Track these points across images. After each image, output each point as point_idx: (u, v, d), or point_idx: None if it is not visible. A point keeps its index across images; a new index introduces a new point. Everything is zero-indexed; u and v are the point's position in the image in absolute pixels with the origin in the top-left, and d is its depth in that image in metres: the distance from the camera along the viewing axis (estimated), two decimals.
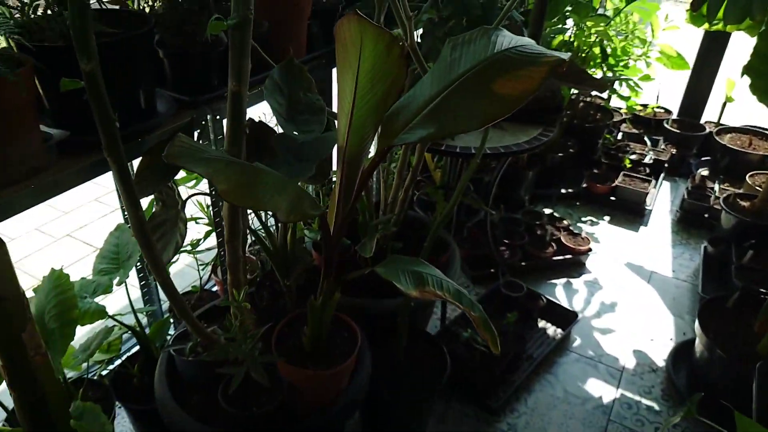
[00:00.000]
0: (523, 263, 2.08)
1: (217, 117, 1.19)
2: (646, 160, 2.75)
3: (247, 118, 0.97)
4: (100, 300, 1.23)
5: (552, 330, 1.83)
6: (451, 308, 1.86)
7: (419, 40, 1.29)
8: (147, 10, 1.09)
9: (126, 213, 1.11)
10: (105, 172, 1.00)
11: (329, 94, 1.66)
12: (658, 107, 3.14)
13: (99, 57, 0.82)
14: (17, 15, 0.85)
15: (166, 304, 1.62)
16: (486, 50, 0.86)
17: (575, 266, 2.16)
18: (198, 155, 0.63)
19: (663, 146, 2.91)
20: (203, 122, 1.16)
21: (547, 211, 2.43)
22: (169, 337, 1.22)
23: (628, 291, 2.06)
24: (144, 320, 1.58)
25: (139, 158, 1.02)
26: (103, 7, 1.07)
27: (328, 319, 1.02)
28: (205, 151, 0.65)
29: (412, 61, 1.10)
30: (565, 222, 2.30)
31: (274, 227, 1.39)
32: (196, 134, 1.15)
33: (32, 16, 0.85)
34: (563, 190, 2.62)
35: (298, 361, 1.05)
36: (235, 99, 0.85)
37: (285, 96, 1.13)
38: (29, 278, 2.02)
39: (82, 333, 1.33)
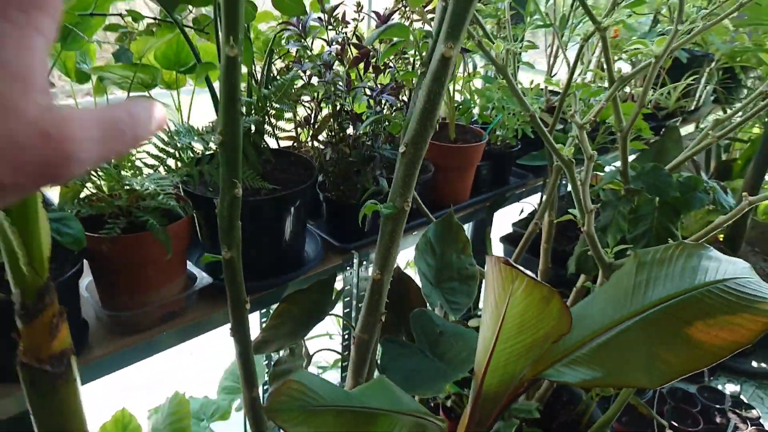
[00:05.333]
0: None
1: (363, 262, 1.14)
2: None
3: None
4: (217, 426, 1.20)
5: None
6: None
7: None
8: (314, 152, 1.08)
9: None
10: None
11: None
12: None
13: (258, 211, 0.82)
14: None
15: None
16: (683, 278, 0.69)
17: None
18: (306, 405, 0.55)
19: None
20: (348, 268, 1.11)
21: (732, 389, 2.01)
22: None
23: None
24: None
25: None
26: (279, 146, 1.10)
27: None
28: (318, 396, 0.57)
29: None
30: (754, 412, 1.87)
31: None
32: (339, 280, 1.10)
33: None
34: (755, 363, 2.17)
35: None
36: (376, 286, 0.77)
37: (436, 257, 1.04)
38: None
39: None
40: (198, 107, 1.05)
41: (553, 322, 0.58)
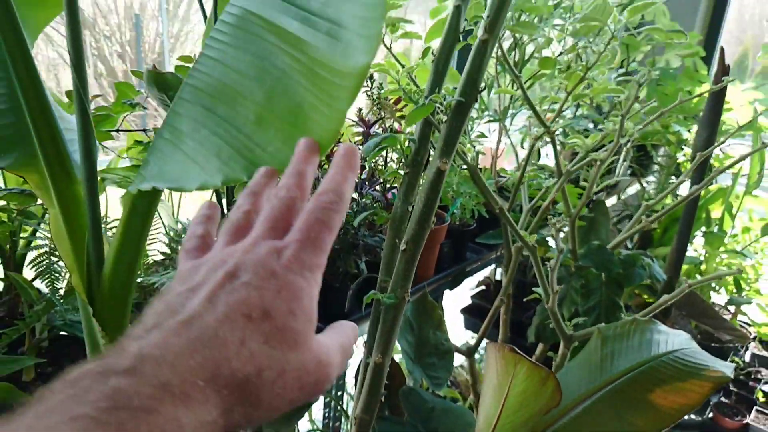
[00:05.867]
0: None
1: None
2: None
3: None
4: None
5: None
6: None
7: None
8: None
9: None
10: None
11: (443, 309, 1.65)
12: None
13: None
14: None
15: None
16: (641, 351, 0.82)
17: None
18: None
19: None
20: None
21: None
22: None
23: None
24: None
25: None
26: None
27: None
28: None
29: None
30: None
31: None
32: None
33: None
34: (685, 416, 2.36)
35: None
36: (377, 369, 0.85)
37: (414, 334, 1.13)
38: None
39: None
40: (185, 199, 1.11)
41: (547, 399, 0.68)
